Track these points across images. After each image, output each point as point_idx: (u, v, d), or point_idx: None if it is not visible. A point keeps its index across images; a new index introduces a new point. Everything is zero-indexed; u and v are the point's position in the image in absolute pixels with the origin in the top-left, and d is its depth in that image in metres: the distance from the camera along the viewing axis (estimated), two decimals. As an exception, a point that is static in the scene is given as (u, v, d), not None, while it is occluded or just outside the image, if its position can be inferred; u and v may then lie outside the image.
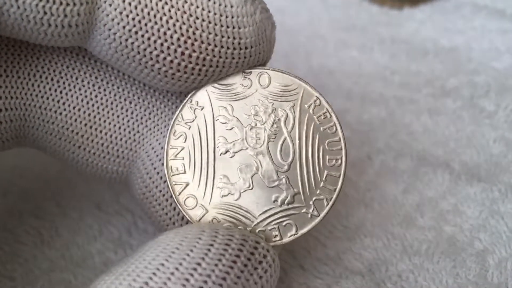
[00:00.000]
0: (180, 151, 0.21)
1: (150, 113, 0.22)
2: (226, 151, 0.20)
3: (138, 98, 0.22)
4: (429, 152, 0.31)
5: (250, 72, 0.21)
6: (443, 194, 0.28)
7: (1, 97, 0.21)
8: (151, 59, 0.19)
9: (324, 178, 0.20)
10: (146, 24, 0.18)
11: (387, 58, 0.38)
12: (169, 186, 0.20)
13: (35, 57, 0.22)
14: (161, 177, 0.21)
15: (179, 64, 0.19)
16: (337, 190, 0.20)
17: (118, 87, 0.22)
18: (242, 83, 0.21)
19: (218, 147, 0.20)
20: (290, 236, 0.20)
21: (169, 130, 0.21)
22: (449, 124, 0.33)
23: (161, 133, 0.22)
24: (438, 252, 0.26)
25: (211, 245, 0.17)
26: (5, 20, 0.18)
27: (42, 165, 0.30)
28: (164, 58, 0.19)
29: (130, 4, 0.18)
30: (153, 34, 0.18)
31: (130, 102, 0.22)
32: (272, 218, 0.20)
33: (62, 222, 0.28)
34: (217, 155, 0.20)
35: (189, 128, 0.21)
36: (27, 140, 0.23)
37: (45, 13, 0.18)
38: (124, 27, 0.18)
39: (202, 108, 0.21)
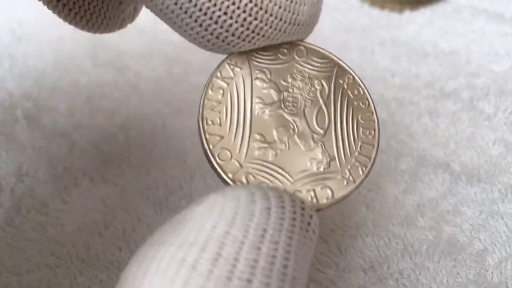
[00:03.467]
0: (217, 105, 0.20)
1: None
2: (263, 112, 0.20)
3: None
4: (429, 153, 0.31)
5: (288, 43, 0.21)
6: (443, 194, 0.29)
7: None
8: (211, 18, 0.18)
9: (359, 148, 0.20)
10: None
11: (388, 61, 0.39)
12: (203, 137, 0.20)
13: None
14: None
15: (236, 29, 0.18)
16: (372, 159, 0.20)
17: None
18: (280, 53, 0.21)
19: (254, 106, 0.20)
20: (326, 200, 0.19)
21: (206, 84, 0.20)
22: (449, 125, 0.33)
23: None
24: (438, 251, 0.26)
25: (269, 208, 0.16)
26: None
27: (48, 162, 0.30)
28: (225, 21, 0.18)
29: None
30: None
31: None
32: (308, 180, 0.20)
33: (68, 218, 0.28)
34: (254, 114, 0.20)
35: (228, 85, 0.20)
36: None
37: None
38: None
39: (241, 69, 0.20)
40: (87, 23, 0.23)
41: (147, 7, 0.19)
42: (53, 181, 0.29)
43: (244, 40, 0.19)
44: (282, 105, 0.20)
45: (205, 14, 0.18)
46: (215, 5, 0.18)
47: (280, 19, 0.19)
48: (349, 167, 0.20)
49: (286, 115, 0.20)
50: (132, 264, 0.16)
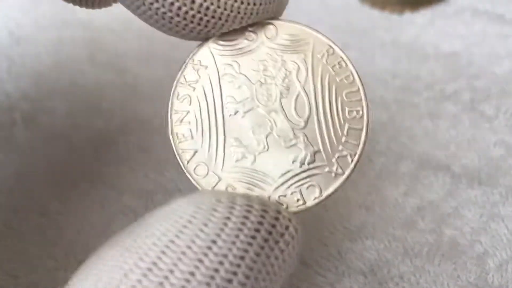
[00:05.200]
0: (186, 115, 0.19)
1: None
2: (236, 112, 0.19)
3: None
4: (430, 155, 0.31)
5: (255, 24, 0.19)
6: (444, 197, 0.29)
7: None
8: (157, 1, 0.17)
9: (345, 133, 0.18)
10: None
11: (388, 62, 0.39)
12: (176, 154, 0.19)
13: None
14: None
15: (183, 10, 0.17)
16: (361, 144, 0.18)
17: None
18: (247, 37, 0.19)
19: (226, 107, 0.19)
20: (314, 199, 0.18)
21: (171, 93, 0.19)
22: (449, 127, 0.33)
23: None
24: (439, 254, 0.26)
25: (228, 218, 0.15)
26: None
27: (46, 164, 0.30)
28: (172, 3, 0.17)
29: None
30: None
31: None
32: (292, 181, 0.18)
33: (66, 221, 0.28)
34: (226, 117, 0.19)
35: (194, 90, 0.19)
36: None
37: None
38: None
39: (206, 68, 0.19)
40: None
41: None
42: (51, 183, 0.29)
43: (199, 24, 0.18)
44: (256, 100, 0.19)
45: (157, 1, 0.17)
46: None
47: None
48: (336, 157, 0.18)
49: (261, 111, 0.19)
50: (87, 261, 0.16)
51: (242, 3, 0.17)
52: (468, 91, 0.35)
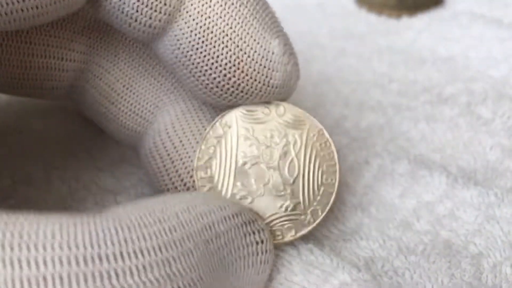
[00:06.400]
0: (208, 159, 0.25)
1: (172, 86, 0.28)
2: (245, 163, 0.25)
3: (163, 76, 0.28)
4: (426, 157, 0.31)
5: (270, 103, 0.25)
6: (439, 197, 0.29)
7: (77, 51, 0.28)
8: (200, 72, 0.24)
9: (320, 193, 0.25)
10: (207, 46, 0.23)
11: (385, 66, 0.39)
12: (197, 187, 0.25)
13: (105, 27, 0.28)
14: (169, 137, 0.27)
15: (221, 83, 0.24)
16: (330, 203, 0.25)
17: (149, 65, 0.29)
18: (263, 111, 0.25)
19: (238, 159, 0.25)
20: (290, 237, 0.25)
21: (202, 140, 0.25)
22: (446, 131, 0.33)
23: (177, 103, 0.28)
24: (433, 254, 0.26)
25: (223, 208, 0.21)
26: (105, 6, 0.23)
27: (42, 169, 0.30)
28: (212, 76, 0.23)
29: (201, 27, 0.23)
30: (210, 55, 0.23)
31: (160, 75, 0.28)
32: (277, 221, 0.25)
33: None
34: (238, 165, 0.25)
35: (218, 142, 0.25)
36: (74, 91, 0.29)
37: (137, 11, 0.23)
38: (190, 42, 0.23)
39: (230, 127, 0.25)
40: None
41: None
42: (47, 189, 0.29)
43: (228, 94, 0.24)
44: (261, 158, 0.25)
45: (196, 68, 0.24)
46: (204, 62, 0.23)
47: (256, 80, 0.24)
48: (311, 209, 0.25)
49: (263, 167, 0.25)
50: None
51: (260, 83, 0.24)
52: (465, 95, 0.35)
